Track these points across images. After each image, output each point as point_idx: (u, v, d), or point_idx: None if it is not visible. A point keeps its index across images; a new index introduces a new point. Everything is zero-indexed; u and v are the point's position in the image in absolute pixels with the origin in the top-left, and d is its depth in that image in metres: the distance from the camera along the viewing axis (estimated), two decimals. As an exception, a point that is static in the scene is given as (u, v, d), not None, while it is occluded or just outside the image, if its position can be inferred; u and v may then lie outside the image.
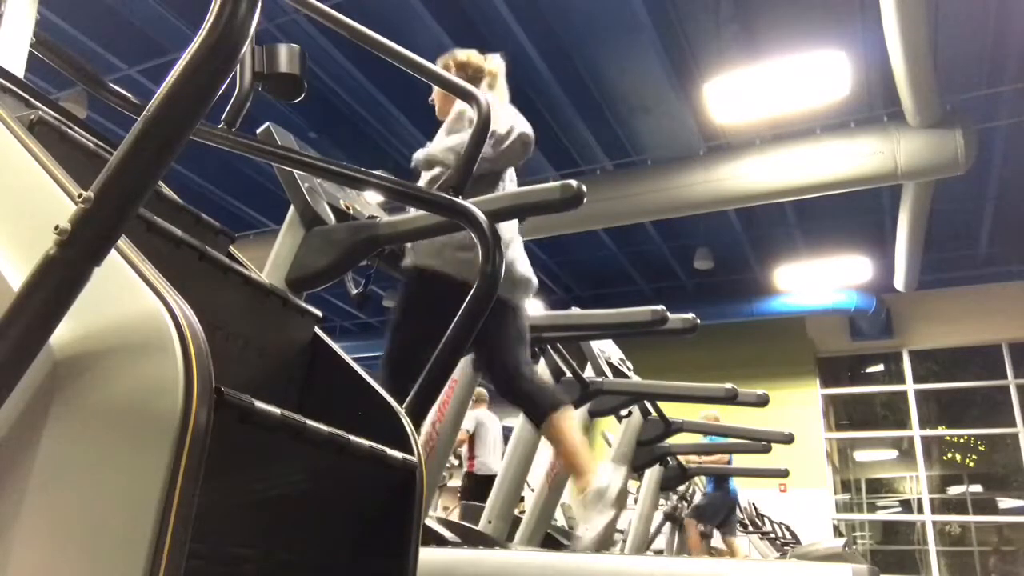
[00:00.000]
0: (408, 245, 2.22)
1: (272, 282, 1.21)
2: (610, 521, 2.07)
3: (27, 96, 1.22)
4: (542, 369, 2.92)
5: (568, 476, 3.02)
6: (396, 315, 2.28)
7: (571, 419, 2.19)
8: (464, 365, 2.48)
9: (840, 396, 11.77)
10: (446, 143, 2.21)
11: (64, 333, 0.66)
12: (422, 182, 2.24)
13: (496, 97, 2.38)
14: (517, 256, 2.34)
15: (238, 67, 1.33)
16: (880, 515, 11.93)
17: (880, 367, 11.61)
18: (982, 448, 11.30)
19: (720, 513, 6.68)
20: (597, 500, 2.07)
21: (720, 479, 6.69)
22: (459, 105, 2.24)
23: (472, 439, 6.24)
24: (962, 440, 11.43)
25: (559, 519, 4.85)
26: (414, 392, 1.13)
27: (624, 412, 3.46)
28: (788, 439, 3.75)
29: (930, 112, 5.80)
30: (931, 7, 4.83)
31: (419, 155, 2.27)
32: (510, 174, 2.43)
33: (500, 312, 2.17)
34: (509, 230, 2.30)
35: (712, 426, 4.80)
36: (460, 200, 1.33)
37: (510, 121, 2.30)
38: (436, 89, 2.44)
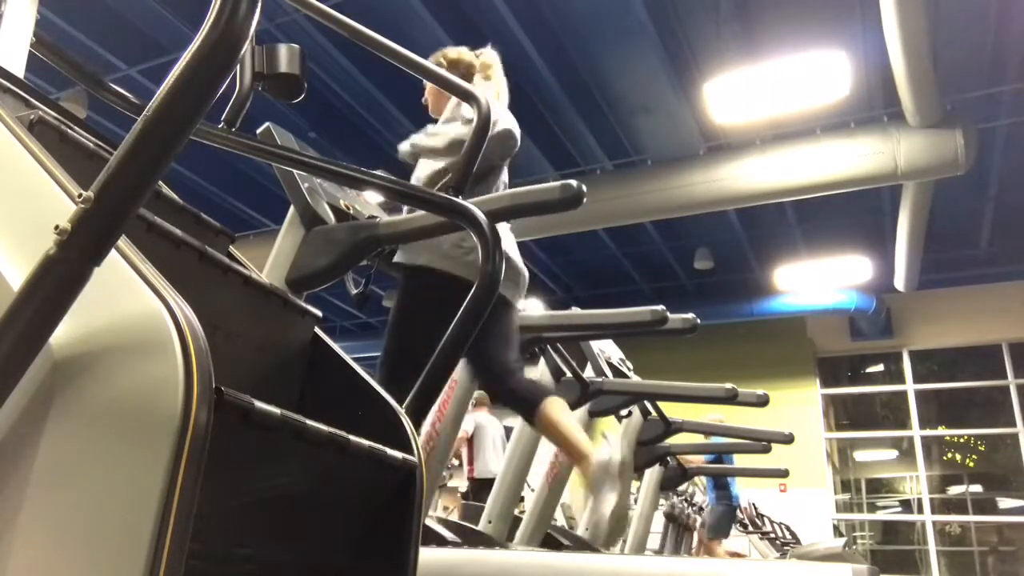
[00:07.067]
0: None
1: (272, 282, 1.21)
2: (621, 496, 2.03)
3: (27, 96, 1.22)
4: (542, 369, 2.92)
5: (568, 476, 3.02)
6: (395, 315, 2.25)
7: (560, 407, 2.15)
8: (464, 365, 2.48)
9: (840, 396, 11.77)
10: (428, 129, 2.22)
11: (64, 333, 0.66)
12: (415, 177, 2.24)
13: (492, 89, 2.38)
14: (510, 250, 2.32)
15: (238, 67, 1.33)
16: (880, 515, 11.94)
17: (880, 367, 11.60)
18: (982, 448, 11.30)
19: (729, 522, 6.73)
20: (603, 475, 2.03)
21: (720, 487, 6.70)
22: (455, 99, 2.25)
23: (470, 442, 6.23)
24: (962, 440, 11.43)
25: (559, 519, 4.85)
26: (414, 392, 1.13)
27: (624, 412, 3.45)
28: (788, 439, 3.75)
29: (930, 112, 5.80)
30: (931, 7, 4.83)
31: (403, 146, 2.28)
32: (503, 176, 2.42)
33: (494, 309, 2.17)
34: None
35: (711, 426, 4.80)
36: (460, 200, 1.33)
37: (495, 116, 2.30)
38: (428, 86, 2.43)
